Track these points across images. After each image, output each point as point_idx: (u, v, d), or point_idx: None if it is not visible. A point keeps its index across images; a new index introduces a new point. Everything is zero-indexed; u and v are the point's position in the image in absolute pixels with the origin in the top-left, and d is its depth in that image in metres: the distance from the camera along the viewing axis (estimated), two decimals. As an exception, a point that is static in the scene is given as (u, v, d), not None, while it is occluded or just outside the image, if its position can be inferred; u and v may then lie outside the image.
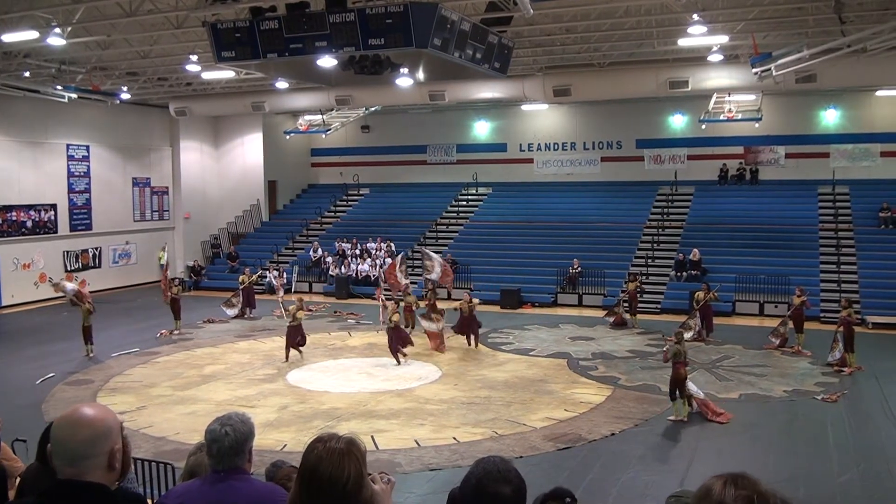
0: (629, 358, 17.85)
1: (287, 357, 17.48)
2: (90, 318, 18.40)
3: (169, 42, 19.76)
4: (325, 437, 2.56)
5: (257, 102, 28.08)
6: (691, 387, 13.34)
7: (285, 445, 11.79)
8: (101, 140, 29.42)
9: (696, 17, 16.68)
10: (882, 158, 27.91)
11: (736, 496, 1.87)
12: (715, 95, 25.36)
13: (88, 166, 28.98)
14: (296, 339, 17.67)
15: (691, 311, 19.93)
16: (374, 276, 27.84)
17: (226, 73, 23.07)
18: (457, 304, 19.64)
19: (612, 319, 21.50)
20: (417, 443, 12.11)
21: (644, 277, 25.17)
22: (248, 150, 33.91)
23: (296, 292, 28.06)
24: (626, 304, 21.74)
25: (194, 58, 20.60)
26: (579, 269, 25.46)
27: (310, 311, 23.83)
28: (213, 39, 14.93)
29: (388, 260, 28.40)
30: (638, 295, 22.09)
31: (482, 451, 11.17)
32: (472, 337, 18.92)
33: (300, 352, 17.78)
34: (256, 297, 24.33)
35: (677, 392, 13.13)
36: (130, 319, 23.17)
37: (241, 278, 23.97)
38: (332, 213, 34.01)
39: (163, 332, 20.76)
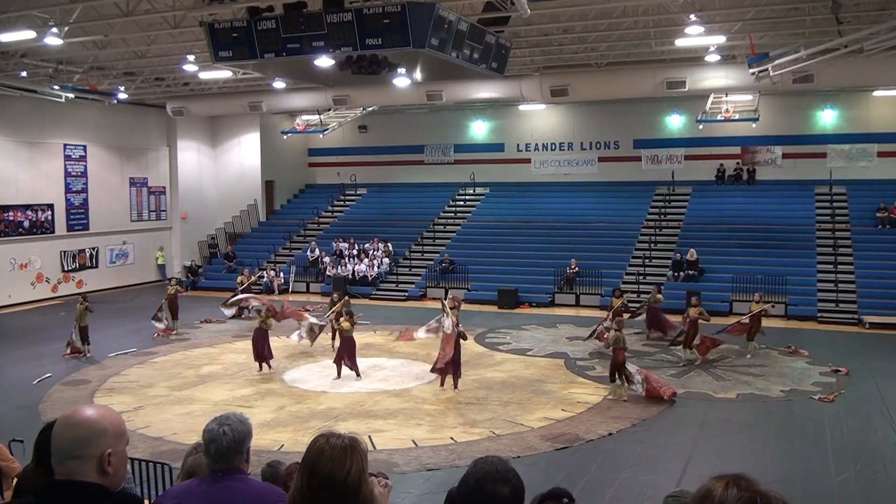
0: (626, 357, 17.83)
1: (260, 367, 16.65)
2: (86, 317, 18.39)
3: (166, 42, 19.74)
4: (328, 434, 2.62)
5: (254, 102, 28.07)
6: (630, 367, 14.54)
7: (282, 445, 11.78)
8: (98, 140, 29.39)
9: (693, 17, 16.71)
10: (879, 158, 27.98)
11: (738, 497, 1.87)
12: (712, 95, 25.39)
13: (85, 166, 28.94)
14: (261, 346, 16.64)
15: (637, 311, 20.28)
16: (371, 276, 27.87)
17: (223, 73, 23.06)
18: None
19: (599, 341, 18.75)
20: (415, 443, 12.11)
21: (641, 277, 25.24)
22: (246, 150, 33.90)
23: (293, 292, 28.10)
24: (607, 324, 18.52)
25: (191, 58, 20.59)
26: (577, 269, 25.47)
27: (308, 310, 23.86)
28: (211, 39, 14.93)
29: (386, 260, 28.48)
30: (624, 312, 19.62)
31: (480, 451, 11.17)
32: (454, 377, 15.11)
33: (268, 365, 16.78)
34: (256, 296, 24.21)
35: (617, 375, 14.40)
36: (127, 319, 23.12)
37: (239, 279, 23.94)
38: (330, 213, 33.99)
39: (159, 331, 20.69)
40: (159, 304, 21.18)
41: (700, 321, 17.47)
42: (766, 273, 23.46)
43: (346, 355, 15.92)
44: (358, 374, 16.00)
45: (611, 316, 19.17)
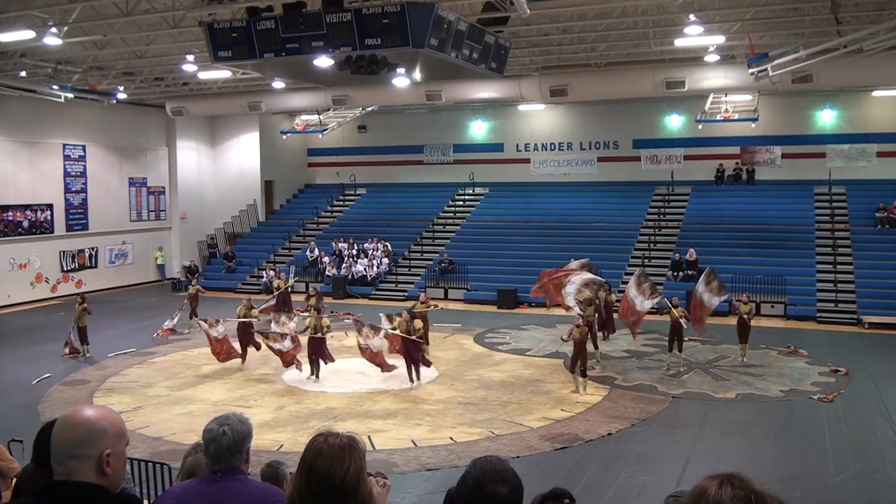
0: (626, 358, 17.88)
1: (243, 360, 17.18)
2: (84, 318, 18.39)
3: (165, 42, 19.74)
4: (326, 433, 2.61)
5: (254, 102, 28.06)
6: None
7: (282, 446, 11.78)
8: (98, 140, 29.37)
9: (692, 17, 16.71)
10: (878, 158, 27.97)
11: (733, 496, 1.87)
12: (711, 96, 25.39)
13: (85, 166, 28.93)
14: (249, 338, 17.23)
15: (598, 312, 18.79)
16: (370, 275, 27.86)
17: (222, 73, 23.05)
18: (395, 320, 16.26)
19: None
20: (414, 443, 12.11)
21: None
22: (245, 150, 33.88)
23: (293, 292, 28.03)
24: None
25: (191, 57, 20.59)
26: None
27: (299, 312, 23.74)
28: (210, 39, 14.92)
29: (385, 260, 28.47)
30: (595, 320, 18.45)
31: (479, 450, 11.18)
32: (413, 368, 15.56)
33: (246, 352, 17.30)
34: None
35: (576, 368, 15.07)
36: (127, 320, 23.12)
37: (276, 283, 23.84)
38: (329, 214, 33.98)
39: (159, 331, 20.69)
40: (181, 304, 21.51)
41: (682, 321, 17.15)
42: (765, 273, 23.46)
43: (320, 352, 16.03)
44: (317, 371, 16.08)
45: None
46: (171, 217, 32.65)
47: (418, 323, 15.67)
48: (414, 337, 15.44)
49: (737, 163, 29.77)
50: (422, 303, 17.93)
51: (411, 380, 15.51)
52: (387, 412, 13.75)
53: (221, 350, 17.07)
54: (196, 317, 21.48)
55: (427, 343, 17.32)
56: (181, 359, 18.12)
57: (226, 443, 2.99)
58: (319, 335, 15.96)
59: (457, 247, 28.96)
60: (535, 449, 11.80)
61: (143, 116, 31.10)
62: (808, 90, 24.72)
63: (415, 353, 15.54)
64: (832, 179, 27.92)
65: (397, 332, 15.79)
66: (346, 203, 34.67)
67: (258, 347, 17.24)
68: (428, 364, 15.87)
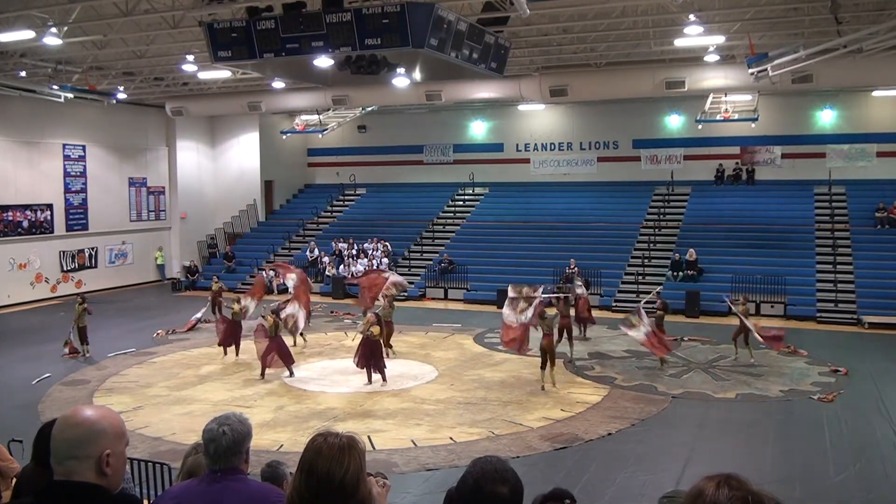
0: (626, 358, 17.87)
1: (226, 352, 17.94)
2: (84, 318, 18.39)
3: (165, 42, 19.73)
4: (326, 433, 2.61)
5: (254, 102, 28.06)
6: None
7: (282, 446, 11.78)
8: (98, 140, 29.38)
9: (692, 17, 16.71)
10: (878, 159, 27.95)
11: (730, 496, 1.87)
12: (711, 95, 25.37)
13: (84, 166, 28.93)
14: (236, 335, 17.90)
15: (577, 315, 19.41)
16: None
17: (222, 73, 23.05)
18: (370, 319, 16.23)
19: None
20: (414, 443, 12.11)
21: (642, 278, 25.20)
22: (245, 150, 33.89)
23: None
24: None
25: (191, 57, 20.59)
26: (576, 269, 25.43)
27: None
28: (210, 39, 14.92)
29: (385, 260, 28.48)
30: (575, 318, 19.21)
31: (479, 451, 11.17)
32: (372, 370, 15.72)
33: (236, 352, 17.99)
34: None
35: (548, 362, 15.07)
36: (127, 319, 23.12)
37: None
38: (329, 214, 33.99)
39: (159, 332, 20.71)
40: (205, 302, 21.93)
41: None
42: (765, 273, 23.46)
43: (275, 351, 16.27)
44: (262, 375, 16.26)
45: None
46: (171, 217, 32.65)
47: (376, 329, 15.58)
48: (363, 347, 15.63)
49: (737, 163, 29.76)
50: (387, 309, 18.23)
51: (369, 381, 15.52)
52: (387, 412, 13.75)
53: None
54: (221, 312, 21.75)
55: (390, 346, 17.72)
56: (181, 359, 18.12)
57: (226, 443, 2.99)
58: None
59: (457, 247, 28.97)
60: (535, 449, 11.80)
61: (143, 116, 31.10)
62: (808, 90, 24.70)
63: (376, 356, 15.59)
64: (832, 179, 27.91)
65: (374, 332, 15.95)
66: (346, 203, 34.67)
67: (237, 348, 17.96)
68: (382, 368, 15.77)
